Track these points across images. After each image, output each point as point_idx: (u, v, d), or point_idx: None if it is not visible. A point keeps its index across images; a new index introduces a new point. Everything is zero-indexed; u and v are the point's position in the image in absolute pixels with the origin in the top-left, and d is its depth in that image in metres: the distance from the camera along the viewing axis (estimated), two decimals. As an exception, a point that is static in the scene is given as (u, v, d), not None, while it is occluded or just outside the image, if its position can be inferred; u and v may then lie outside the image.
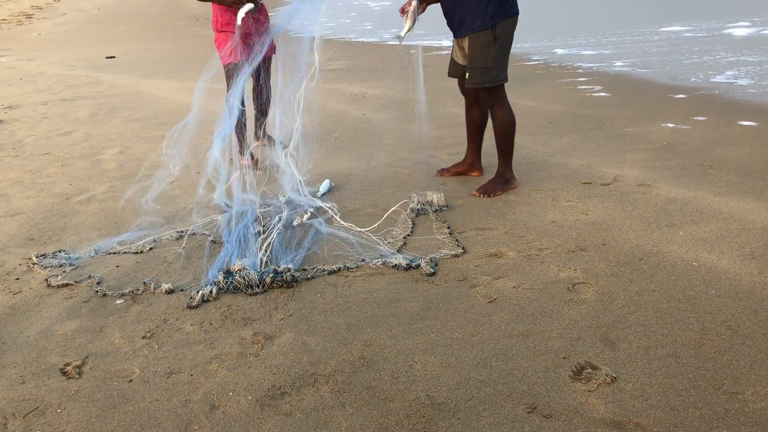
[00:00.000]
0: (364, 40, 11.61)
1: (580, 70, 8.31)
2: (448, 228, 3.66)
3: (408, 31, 4.02)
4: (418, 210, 3.90)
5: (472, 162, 4.50)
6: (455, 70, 4.27)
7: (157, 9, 19.55)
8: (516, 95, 7.04)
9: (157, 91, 8.55)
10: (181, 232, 3.78)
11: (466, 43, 3.99)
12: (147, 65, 10.88)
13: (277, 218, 3.79)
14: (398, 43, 4.13)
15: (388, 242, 3.50)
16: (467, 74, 4.02)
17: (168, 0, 20.20)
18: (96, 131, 6.51)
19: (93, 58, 11.84)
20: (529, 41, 10.47)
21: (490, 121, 4.23)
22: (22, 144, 6.11)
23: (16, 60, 12.09)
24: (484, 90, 4.05)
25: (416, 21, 4.02)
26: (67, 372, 2.52)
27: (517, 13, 3.95)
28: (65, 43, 14.25)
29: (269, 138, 5.06)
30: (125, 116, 7.17)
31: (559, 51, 9.82)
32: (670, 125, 5.57)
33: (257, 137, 5.03)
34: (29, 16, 18.87)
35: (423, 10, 4.12)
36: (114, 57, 11.81)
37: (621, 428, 2.06)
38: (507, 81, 4.04)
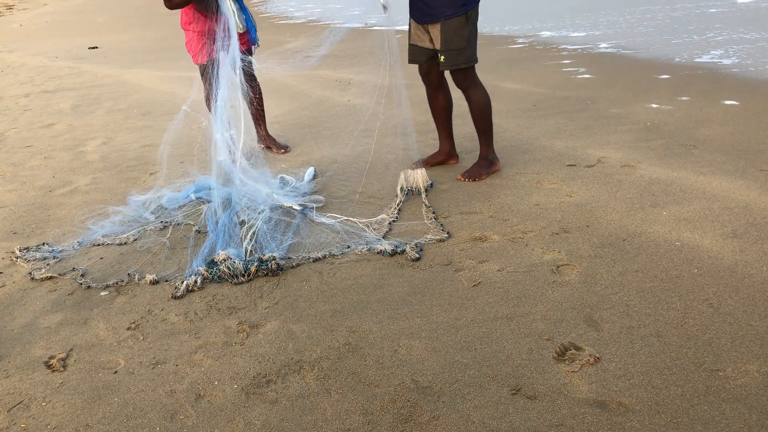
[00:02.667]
0: (349, 26, 11.54)
1: (564, 52, 8.30)
2: (433, 213, 3.66)
3: None
4: (407, 191, 3.92)
5: (448, 151, 4.48)
6: (419, 56, 4.17)
7: (139, -2, 19.37)
8: (500, 78, 7.04)
9: (141, 81, 8.47)
10: (166, 222, 3.76)
11: (436, 27, 3.95)
12: (130, 55, 10.77)
13: (260, 208, 3.78)
14: (384, 13, 4.06)
15: (374, 228, 3.51)
16: (442, 57, 3.98)
17: (150, -12, 20.02)
18: (79, 123, 6.46)
19: (75, 49, 11.71)
20: (517, 24, 10.44)
21: (460, 109, 4.18)
22: (3, 137, 6.05)
23: (-3, 52, 11.95)
24: (459, 72, 4.02)
25: None
26: (51, 365, 2.52)
27: None
28: (47, 34, 14.09)
29: (273, 140, 5.02)
30: (108, 107, 7.11)
31: (545, 33, 9.80)
32: (654, 106, 5.58)
33: (264, 138, 4.99)
34: (10, 7, 18.64)
35: None
36: (97, 47, 11.69)
37: (604, 408, 2.08)
38: (477, 62, 4.03)
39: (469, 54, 3.96)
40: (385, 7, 3.98)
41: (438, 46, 3.97)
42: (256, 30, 4.77)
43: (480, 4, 3.97)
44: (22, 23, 15.47)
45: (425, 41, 4.07)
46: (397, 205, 3.78)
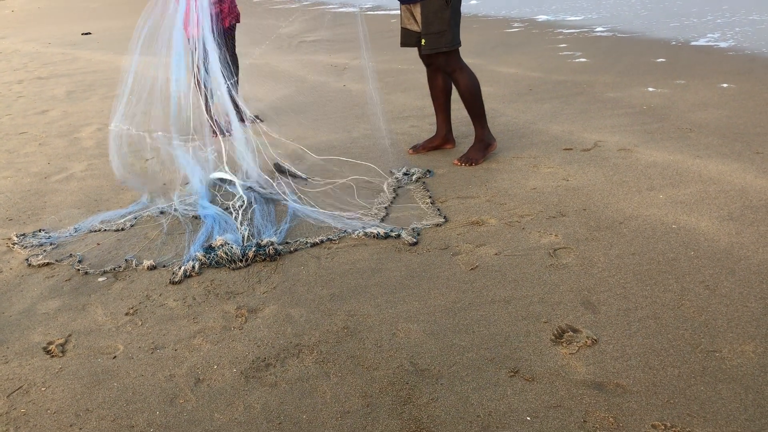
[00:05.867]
0: (344, 10, 11.47)
1: (560, 36, 8.27)
2: (430, 197, 3.66)
3: None
4: (399, 180, 3.92)
5: (445, 134, 4.47)
6: (409, 39, 4.17)
7: (132, -17, 19.21)
8: (496, 63, 7.02)
9: (135, 67, 8.42)
10: (162, 208, 3.76)
11: (418, 9, 3.94)
12: (124, 41, 10.69)
13: (254, 195, 3.77)
14: None
15: (374, 213, 3.50)
16: (423, 41, 3.97)
17: (143, -27, 19.89)
18: (73, 109, 6.43)
19: (69, 35, 11.63)
20: (514, 9, 10.40)
21: (454, 93, 4.19)
22: (-3, 124, 6.01)
23: (-11, 38, 11.85)
24: (441, 56, 4.01)
25: None
26: (50, 350, 2.52)
27: None
28: (40, 20, 13.98)
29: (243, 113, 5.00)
30: (103, 93, 7.07)
31: (541, 17, 9.75)
32: (651, 89, 5.58)
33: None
34: (1, -7, 18.48)
35: None
36: (90, 33, 11.61)
37: (602, 389, 2.10)
38: (461, 45, 4.01)
39: (451, 37, 3.94)
40: None
41: (420, 29, 3.96)
42: None
43: None
44: (13, 9, 15.34)
45: (413, 24, 4.06)
46: (394, 189, 3.76)
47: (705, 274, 2.70)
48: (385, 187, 3.84)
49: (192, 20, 4.03)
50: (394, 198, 3.70)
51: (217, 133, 4.09)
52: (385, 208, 3.56)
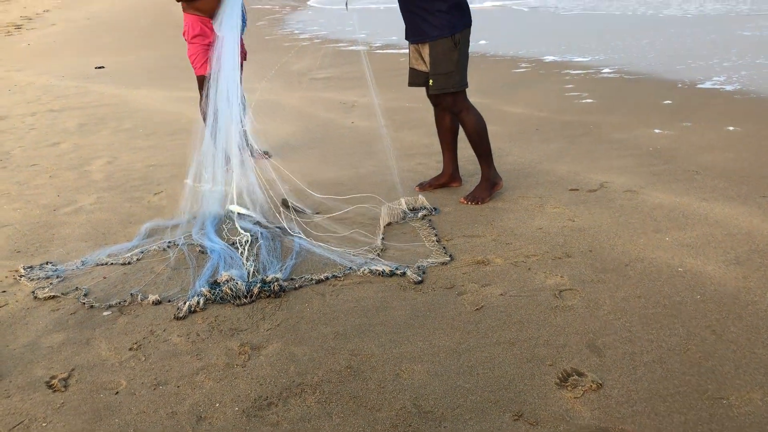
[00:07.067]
0: (354, 48, 11.64)
1: (567, 77, 8.35)
2: (436, 235, 3.67)
3: None
4: (405, 213, 3.94)
5: (451, 173, 4.50)
6: (417, 79, 4.22)
7: (146, 19, 19.53)
8: (504, 102, 7.08)
9: (146, 101, 8.54)
10: (169, 242, 3.77)
11: (426, 50, 4.00)
12: (136, 75, 10.87)
13: (260, 230, 3.79)
14: (345, 8, 4.15)
15: (377, 253, 3.50)
16: (431, 81, 4.02)
17: (158, 10, 20.18)
18: (84, 142, 6.50)
19: (82, 68, 11.81)
20: (522, 49, 10.51)
21: (460, 131, 4.24)
22: (9, 155, 6.08)
23: (5, 71, 12.04)
24: (448, 96, 4.06)
25: None
26: (53, 385, 2.51)
27: (471, 24, 4.00)
28: (54, 54, 14.22)
29: (253, 148, 5.07)
30: (114, 126, 7.15)
31: (549, 58, 9.86)
32: (657, 131, 5.61)
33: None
34: (18, 27, 18.81)
35: None
36: (103, 67, 11.79)
37: (606, 435, 2.07)
38: (468, 86, 4.06)
39: (458, 78, 3.99)
40: (347, 4, 4.07)
41: (428, 69, 4.02)
42: (246, 20, 4.90)
43: (472, 29, 4.02)
44: (29, 43, 15.62)
45: (422, 65, 4.11)
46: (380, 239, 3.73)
47: (711, 319, 2.68)
48: (383, 210, 3.88)
49: (213, 56, 4.17)
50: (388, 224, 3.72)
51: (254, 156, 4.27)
52: (381, 241, 3.58)
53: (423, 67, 4.11)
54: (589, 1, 15.62)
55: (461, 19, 3.91)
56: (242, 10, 4.73)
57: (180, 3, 4.79)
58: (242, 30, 4.80)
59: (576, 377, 2.36)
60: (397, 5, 4.07)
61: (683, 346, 2.51)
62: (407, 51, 4.34)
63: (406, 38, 4.14)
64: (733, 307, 2.77)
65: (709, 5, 13.27)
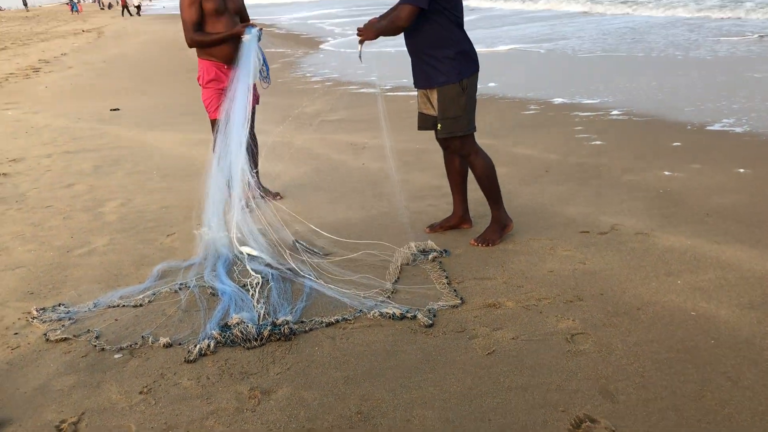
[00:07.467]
0: (364, 91, 11.79)
1: (576, 119, 8.41)
2: (447, 278, 3.67)
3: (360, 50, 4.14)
4: (416, 255, 3.95)
5: (461, 215, 4.52)
6: (426, 123, 4.27)
7: (163, 61, 19.92)
8: (513, 144, 7.12)
9: (161, 144, 8.65)
10: (181, 284, 3.79)
11: (434, 95, 4.06)
12: (151, 117, 11.04)
13: (271, 272, 3.81)
14: (360, 60, 4.22)
15: (387, 296, 3.50)
16: (439, 125, 4.08)
17: (174, 53, 20.60)
18: (99, 183, 6.58)
19: (98, 111, 12.02)
20: (531, 91, 10.62)
21: (469, 173, 4.27)
22: (24, 197, 6.16)
23: (23, 113, 12.27)
24: (457, 140, 4.10)
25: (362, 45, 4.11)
26: (62, 429, 2.51)
27: (478, 69, 4.06)
28: (71, 96, 14.49)
29: (265, 189, 5.13)
30: (128, 168, 7.24)
31: (558, 100, 9.95)
32: (667, 173, 5.62)
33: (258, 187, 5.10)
34: (36, 70, 19.21)
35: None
36: (118, 109, 11.99)
37: (621, 484, 2.04)
38: (476, 130, 4.10)
39: (466, 122, 4.04)
40: (360, 56, 4.14)
41: (437, 114, 4.07)
42: (269, 68, 5.01)
43: (480, 73, 4.07)
44: (47, 86, 15.94)
45: (430, 109, 4.17)
46: (405, 262, 3.80)
47: (727, 365, 2.65)
48: (397, 256, 3.89)
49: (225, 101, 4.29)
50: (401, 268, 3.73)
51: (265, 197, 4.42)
52: (393, 284, 3.59)
53: (431, 112, 4.16)
54: (611, 42, 15.77)
55: (468, 65, 3.98)
56: (263, 58, 4.85)
57: (194, 48, 4.91)
58: (266, 77, 4.92)
59: (589, 423, 2.33)
60: (406, 49, 4.14)
61: (698, 393, 2.48)
62: (416, 93, 4.40)
63: (415, 85, 4.20)
64: (749, 352, 2.74)
65: (724, 47, 13.40)
